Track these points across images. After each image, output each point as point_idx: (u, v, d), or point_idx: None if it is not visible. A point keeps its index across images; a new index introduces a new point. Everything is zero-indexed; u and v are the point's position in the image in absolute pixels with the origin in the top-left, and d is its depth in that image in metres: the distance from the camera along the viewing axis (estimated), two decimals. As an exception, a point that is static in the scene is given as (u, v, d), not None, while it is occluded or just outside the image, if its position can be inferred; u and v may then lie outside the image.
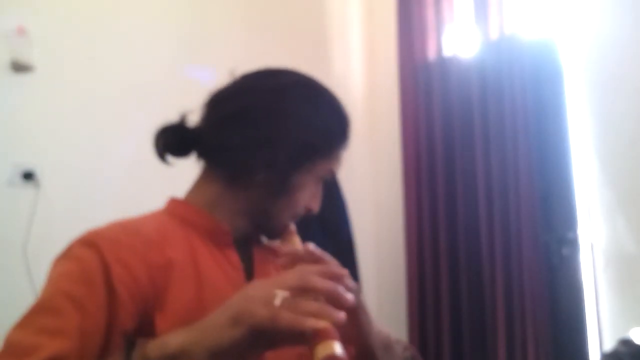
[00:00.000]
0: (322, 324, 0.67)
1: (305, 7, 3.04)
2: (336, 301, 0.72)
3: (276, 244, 1.01)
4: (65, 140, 2.22)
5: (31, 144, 2.16)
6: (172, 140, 0.97)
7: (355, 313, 0.85)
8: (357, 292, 0.85)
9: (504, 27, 2.54)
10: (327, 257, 0.87)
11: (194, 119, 0.99)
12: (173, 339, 0.70)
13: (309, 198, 0.99)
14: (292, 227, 0.99)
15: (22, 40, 2.11)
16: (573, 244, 2.37)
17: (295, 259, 0.87)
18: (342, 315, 0.68)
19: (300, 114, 0.95)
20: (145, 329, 0.81)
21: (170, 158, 0.98)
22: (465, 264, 2.60)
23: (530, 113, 2.44)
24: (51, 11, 2.26)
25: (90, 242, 0.84)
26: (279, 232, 0.99)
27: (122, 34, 2.40)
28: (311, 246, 0.89)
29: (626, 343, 1.71)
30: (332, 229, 2.60)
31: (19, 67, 2.12)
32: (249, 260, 0.98)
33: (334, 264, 0.85)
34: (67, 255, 0.85)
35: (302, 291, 0.71)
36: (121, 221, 0.91)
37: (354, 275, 2.71)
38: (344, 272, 0.79)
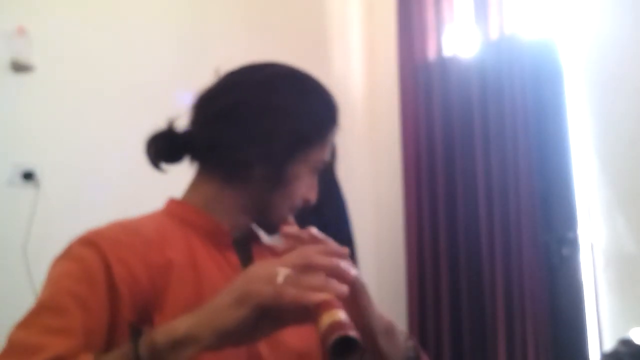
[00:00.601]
0: (325, 296, 0.67)
1: (305, 7, 3.04)
2: (338, 276, 0.72)
3: (275, 239, 1.01)
4: (65, 140, 2.22)
5: (31, 144, 2.16)
6: (164, 147, 0.97)
7: (356, 295, 0.85)
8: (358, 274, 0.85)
9: (504, 27, 2.54)
10: (328, 239, 0.87)
11: (182, 123, 0.98)
12: (180, 324, 0.70)
13: (305, 189, 0.99)
14: (291, 219, 0.99)
15: (22, 40, 2.11)
16: (573, 244, 2.36)
17: (297, 241, 0.87)
18: (345, 288, 0.69)
19: (290, 105, 0.95)
20: (145, 328, 0.81)
21: (164, 165, 0.98)
22: (465, 264, 2.60)
23: (530, 113, 2.44)
24: (51, 11, 2.26)
25: (91, 242, 0.84)
26: (278, 226, 0.98)
27: (122, 34, 2.40)
28: (313, 230, 0.88)
29: (626, 343, 1.71)
30: (332, 229, 2.59)
31: (19, 67, 2.12)
32: (248, 260, 0.98)
33: (334, 244, 0.85)
34: (67, 255, 0.85)
35: (304, 269, 0.71)
36: (121, 221, 0.91)
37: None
38: (345, 250, 0.79)
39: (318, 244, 0.85)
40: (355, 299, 0.85)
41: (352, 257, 2.68)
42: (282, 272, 0.68)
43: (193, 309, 0.75)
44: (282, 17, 2.92)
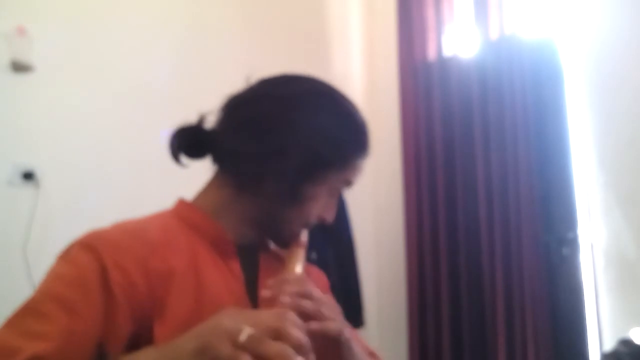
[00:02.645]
0: None
1: (305, 7, 3.04)
2: (302, 351, 0.71)
3: (282, 252, 1.00)
4: (65, 140, 2.21)
5: (31, 144, 2.16)
6: (188, 141, 0.96)
7: (339, 350, 0.86)
8: (342, 325, 0.86)
9: (504, 27, 2.54)
10: (315, 292, 0.86)
11: (211, 120, 0.98)
12: (143, 357, 0.72)
13: (321, 208, 0.97)
14: (303, 238, 0.98)
15: (22, 40, 2.11)
16: (573, 244, 2.37)
17: (280, 288, 0.85)
18: None
19: (313, 124, 0.93)
20: (145, 335, 0.81)
21: (183, 159, 0.97)
22: (465, 264, 2.60)
23: (530, 113, 2.44)
24: (51, 11, 2.26)
25: (89, 245, 0.84)
26: (288, 241, 0.98)
27: (123, 34, 2.40)
28: (315, 290, 0.87)
29: (626, 343, 1.71)
30: (332, 229, 2.59)
31: (19, 67, 2.12)
32: (252, 270, 0.97)
33: (317, 296, 0.85)
34: (66, 257, 0.85)
35: (273, 334, 0.70)
36: (125, 222, 0.91)
37: (354, 275, 2.71)
38: (336, 309, 0.83)
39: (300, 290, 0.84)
40: (337, 354, 0.86)
41: (352, 258, 2.69)
42: (246, 331, 0.68)
43: (193, 319, 0.76)
44: (282, 18, 2.92)
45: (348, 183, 0.99)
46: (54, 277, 0.83)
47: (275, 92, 0.97)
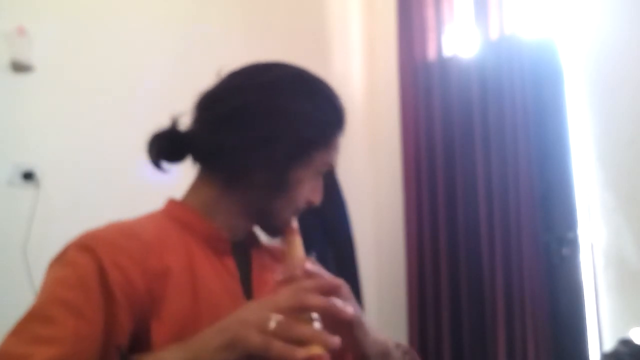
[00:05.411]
0: (314, 350, 0.68)
1: (305, 7, 3.04)
2: (333, 316, 0.73)
3: (277, 243, 1.00)
4: (65, 140, 2.22)
5: (31, 144, 2.16)
6: (166, 147, 0.95)
7: (353, 329, 0.85)
8: (354, 302, 0.85)
9: (504, 27, 2.54)
10: (324, 273, 0.85)
11: (185, 122, 0.97)
12: (167, 356, 0.71)
13: (309, 192, 0.97)
14: (294, 224, 0.98)
15: (22, 40, 2.11)
16: (573, 244, 2.36)
17: (292, 279, 0.84)
18: (336, 340, 0.69)
19: (295, 109, 0.93)
20: (142, 335, 0.81)
21: (165, 165, 0.97)
22: (465, 264, 2.60)
23: (530, 113, 2.44)
24: (51, 11, 2.26)
25: (86, 246, 0.83)
26: (280, 230, 0.97)
27: (123, 34, 2.40)
28: (308, 264, 0.86)
29: (626, 343, 1.71)
30: (332, 229, 2.60)
31: (19, 67, 2.12)
32: (246, 267, 0.97)
33: (329, 277, 0.84)
34: (63, 260, 0.84)
35: (298, 311, 0.71)
36: (119, 223, 0.90)
37: (354, 275, 2.71)
38: (339, 283, 0.80)
39: (312, 279, 0.82)
40: (352, 332, 0.86)
41: (352, 258, 2.69)
42: (274, 319, 0.68)
43: (190, 318, 0.75)
44: (282, 17, 2.92)
45: (330, 163, 0.99)
46: (54, 281, 0.83)
47: (251, 81, 0.96)
